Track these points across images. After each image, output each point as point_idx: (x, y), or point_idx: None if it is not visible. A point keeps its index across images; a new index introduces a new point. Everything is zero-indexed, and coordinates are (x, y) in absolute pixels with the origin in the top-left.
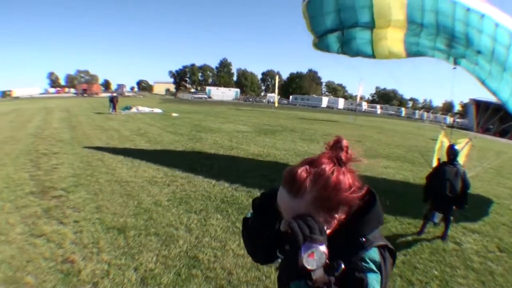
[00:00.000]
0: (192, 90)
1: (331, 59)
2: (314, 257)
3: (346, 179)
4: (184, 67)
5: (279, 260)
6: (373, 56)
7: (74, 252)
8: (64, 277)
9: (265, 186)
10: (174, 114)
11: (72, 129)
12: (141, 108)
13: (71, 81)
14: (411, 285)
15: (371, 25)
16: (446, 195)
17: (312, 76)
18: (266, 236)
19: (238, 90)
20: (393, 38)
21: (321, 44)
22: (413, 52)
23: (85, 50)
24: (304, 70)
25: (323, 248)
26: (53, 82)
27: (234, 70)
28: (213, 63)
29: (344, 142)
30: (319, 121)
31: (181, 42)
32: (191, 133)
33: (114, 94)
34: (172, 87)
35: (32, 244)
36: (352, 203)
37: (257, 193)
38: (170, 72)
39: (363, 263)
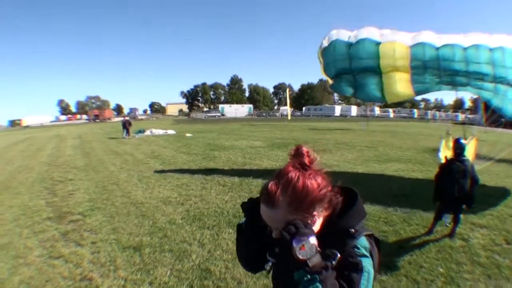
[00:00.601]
0: (205, 109)
1: None
2: (306, 249)
3: (313, 180)
4: (196, 86)
5: (270, 264)
6: (384, 100)
7: (92, 271)
8: None
9: None
10: (188, 135)
11: (86, 155)
12: (154, 131)
13: (82, 107)
14: (416, 284)
15: (379, 71)
16: (454, 195)
17: (324, 86)
18: (258, 240)
19: (251, 105)
20: (400, 80)
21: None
22: (420, 90)
23: (95, 76)
24: (315, 81)
25: (312, 239)
26: (64, 109)
27: (245, 86)
28: (224, 81)
29: (304, 149)
30: (332, 131)
31: (191, 62)
32: (205, 152)
33: (127, 118)
34: (185, 107)
35: (50, 265)
36: (328, 199)
37: None
38: (182, 92)
39: (356, 250)
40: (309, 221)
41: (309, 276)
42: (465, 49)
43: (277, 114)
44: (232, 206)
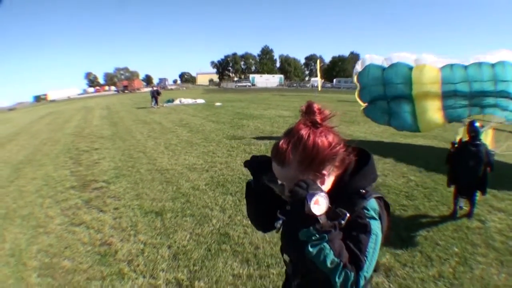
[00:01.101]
0: (236, 79)
1: (373, 39)
2: (319, 203)
3: (324, 138)
4: (226, 56)
5: (280, 222)
6: (418, 130)
7: (112, 236)
8: (101, 258)
9: None
10: (217, 104)
11: (114, 125)
12: (184, 100)
13: (110, 79)
14: (430, 261)
15: (412, 98)
16: (467, 180)
17: (354, 59)
18: (267, 198)
19: (282, 76)
20: (433, 109)
21: (369, 112)
22: (452, 117)
23: (122, 48)
24: (346, 53)
25: (324, 195)
26: (91, 81)
27: (276, 56)
28: (255, 51)
29: (315, 106)
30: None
31: (222, 32)
32: (233, 121)
33: (155, 88)
34: (215, 78)
35: (71, 232)
36: (340, 158)
37: None
38: (212, 62)
39: (366, 211)
40: (319, 180)
41: (317, 235)
42: (492, 65)
43: (308, 85)
44: None
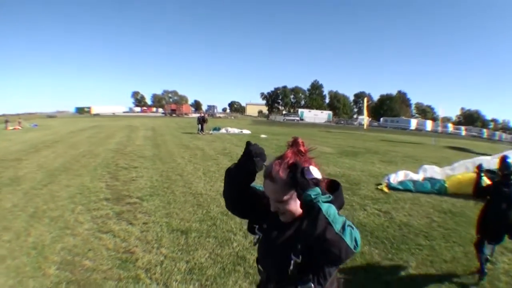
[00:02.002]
0: (284, 112)
1: (421, 79)
2: (315, 170)
3: (306, 164)
4: (276, 89)
5: (257, 237)
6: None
7: (136, 246)
8: (121, 263)
9: None
10: (263, 136)
11: (156, 146)
12: (230, 129)
13: (158, 101)
14: None
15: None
16: (497, 226)
17: (402, 98)
18: (243, 177)
19: (331, 112)
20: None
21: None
22: None
23: (173, 72)
24: (394, 91)
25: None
26: (138, 101)
27: (325, 92)
28: (304, 85)
29: (300, 140)
30: (403, 144)
31: (273, 64)
32: (275, 154)
33: (202, 115)
34: (264, 109)
35: (97, 238)
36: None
37: None
38: (262, 93)
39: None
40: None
41: (323, 198)
42: None
43: (355, 123)
44: None
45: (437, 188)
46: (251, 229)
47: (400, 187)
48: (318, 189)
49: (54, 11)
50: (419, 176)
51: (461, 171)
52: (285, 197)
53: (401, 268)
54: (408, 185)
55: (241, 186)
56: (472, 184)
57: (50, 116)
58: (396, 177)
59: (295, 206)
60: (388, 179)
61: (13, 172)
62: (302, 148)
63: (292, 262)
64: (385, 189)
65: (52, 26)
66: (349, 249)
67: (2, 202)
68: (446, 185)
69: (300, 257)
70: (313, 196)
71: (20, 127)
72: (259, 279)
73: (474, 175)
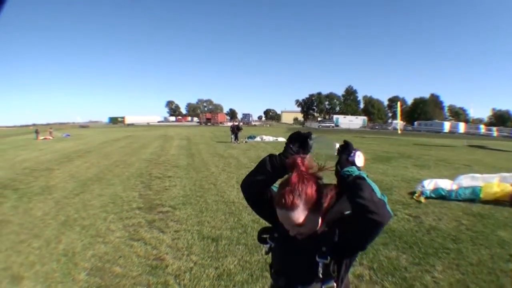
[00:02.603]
0: (319, 118)
1: (453, 81)
2: (360, 157)
3: (311, 185)
4: (311, 95)
5: (268, 246)
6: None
7: (167, 253)
8: (151, 269)
9: None
10: None
11: (190, 156)
12: (265, 137)
13: (192, 110)
14: None
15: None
16: None
17: (435, 101)
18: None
19: (365, 118)
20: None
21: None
22: None
23: (206, 80)
24: (426, 94)
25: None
26: (173, 110)
27: (359, 97)
28: (339, 91)
29: (298, 160)
30: (437, 147)
31: (307, 71)
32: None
33: (236, 123)
34: (300, 116)
35: (128, 245)
36: (325, 194)
37: None
38: (297, 101)
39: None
40: (319, 214)
41: (359, 173)
42: None
43: (389, 128)
44: None
45: (471, 197)
46: (261, 240)
47: (433, 195)
48: (355, 168)
49: (88, 20)
50: (454, 185)
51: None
52: (305, 218)
53: (427, 272)
54: (441, 192)
55: (268, 180)
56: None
57: (83, 126)
58: (430, 186)
59: (315, 222)
60: (423, 187)
61: (44, 181)
62: (303, 168)
63: (320, 264)
64: (422, 200)
65: (86, 35)
66: (388, 214)
67: (33, 211)
68: (480, 195)
69: (329, 258)
70: (351, 171)
71: (51, 137)
72: (273, 285)
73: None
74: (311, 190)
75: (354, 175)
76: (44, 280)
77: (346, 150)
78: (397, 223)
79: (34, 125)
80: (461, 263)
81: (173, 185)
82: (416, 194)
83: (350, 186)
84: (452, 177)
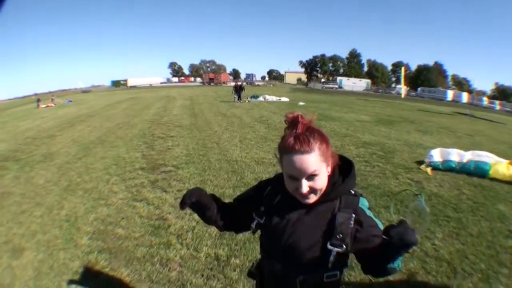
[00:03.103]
0: (323, 80)
1: (459, 50)
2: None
3: (319, 132)
4: (314, 57)
5: (255, 222)
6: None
7: (169, 213)
8: (154, 229)
9: (365, 171)
10: (300, 103)
11: (193, 116)
12: (268, 97)
13: (195, 70)
14: (454, 273)
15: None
16: None
17: (439, 69)
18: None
19: (369, 81)
20: None
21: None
22: None
23: (209, 41)
24: (430, 62)
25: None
26: (176, 72)
27: (363, 61)
28: (342, 54)
29: (299, 116)
30: (440, 114)
31: (311, 31)
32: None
33: (239, 83)
34: (303, 77)
35: (131, 206)
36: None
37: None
38: (301, 62)
39: (362, 209)
40: (328, 167)
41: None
42: None
43: (393, 92)
44: None
45: (480, 172)
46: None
47: (441, 167)
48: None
49: None
50: (464, 158)
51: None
52: (319, 167)
53: (427, 238)
54: (451, 165)
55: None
56: None
57: (85, 91)
58: (438, 157)
59: (325, 177)
60: (431, 157)
61: (46, 148)
62: (305, 121)
63: (333, 253)
64: (429, 172)
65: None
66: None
67: (35, 179)
68: (490, 172)
69: (344, 246)
70: (398, 265)
71: (53, 104)
72: (266, 272)
73: None
74: (321, 136)
75: (395, 266)
76: (46, 248)
77: (408, 246)
78: (398, 187)
79: (36, 94)
80: (461, 233)
81: (176, 144)
82: (424, 165)
83: (386, 256)
84: (454, 145)
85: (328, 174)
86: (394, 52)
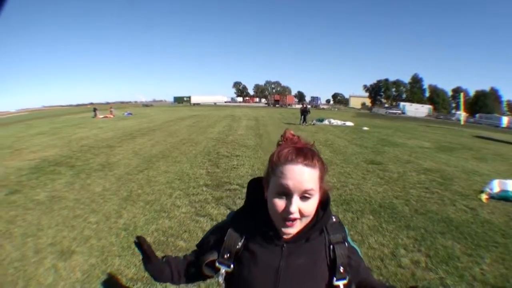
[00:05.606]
0: (386, 105)
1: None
2: None
3: (318, 154)
4: (378, 81)
5: (224, 270)
6: None
7: None
8: None
9: (425, 198)
10: (365, 128)
11: (259, 136)
12: (333, 121)
13: (260, 91)
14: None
15: None
16: None
17: (494, 94)
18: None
19: (431, 106)
20: None
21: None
22: None
23: (274, 62)
24: (486, 87)
25: None
26: (240, 91)
27: (425, 85)
28: (405, 78)
29: (290, 135)
30: (496, 142)
31: (375, 56)
32: (376, 147)
33: (304, 106)
34: (367, 101)
35: (194, 221)
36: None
37: (414, 202)
38: (365, 86)
39: (349, 240)
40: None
41: None
42: None
43: (453, 118)
44: (382, 197)
45: None
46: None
47: (497, 197)
48: None
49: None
50: None
51: None
52: (316, 189)
53: (477, 264)
54: (509, 195)
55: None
56: None
57: (146, 105)
58: (496, 188)
59: (314, 207)
60: (491, 189)
61: (104, 158)
62: (300, 145)
63: (340, 285)
64: (484, 200)
65: (151, 13)
66: None
67: (91, 187)
68: None
69: (348, 276)
70: None
71: (112, 116)
72: None
73: None
74: (322, 160)
75: None
76: (100, 254)
77: None
78: (455, 213)
79: (91, 104)
80: (506, 258)
81: (241, 164)
82: (484, 196)
83: None
84: (509, 172)
85: (317, 204)
86: (452, 77)
